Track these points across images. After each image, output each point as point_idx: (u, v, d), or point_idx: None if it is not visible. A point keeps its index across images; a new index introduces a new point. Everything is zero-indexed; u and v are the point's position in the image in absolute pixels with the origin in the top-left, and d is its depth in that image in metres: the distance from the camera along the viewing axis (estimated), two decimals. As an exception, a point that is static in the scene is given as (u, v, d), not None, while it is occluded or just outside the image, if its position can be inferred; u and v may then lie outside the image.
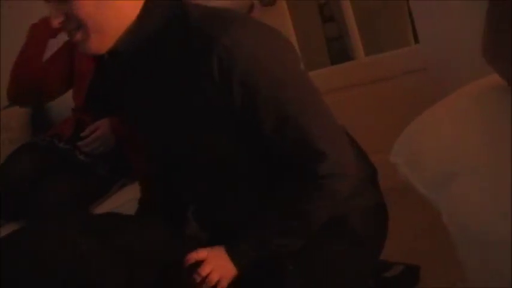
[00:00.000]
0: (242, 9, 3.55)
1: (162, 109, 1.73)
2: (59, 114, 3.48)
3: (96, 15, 1.61)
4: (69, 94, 3.06)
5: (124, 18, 1.65)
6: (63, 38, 2.24)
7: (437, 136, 1.20)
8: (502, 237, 1.03)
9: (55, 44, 2.95)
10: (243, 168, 1.73)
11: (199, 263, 1.70)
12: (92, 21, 1.62)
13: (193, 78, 1.61)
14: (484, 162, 1.09)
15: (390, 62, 3.59)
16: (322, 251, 1.81)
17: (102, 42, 1.66)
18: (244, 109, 1.59)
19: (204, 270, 1.68)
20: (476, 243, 1.10)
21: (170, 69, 1.66)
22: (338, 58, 4.40)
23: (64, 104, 3.17)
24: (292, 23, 3.73)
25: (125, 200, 2.68)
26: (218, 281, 1.69)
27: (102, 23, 1.63)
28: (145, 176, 2.12)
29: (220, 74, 1.56)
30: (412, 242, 2.58)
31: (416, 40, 3.76)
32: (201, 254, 1.70)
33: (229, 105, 1.59)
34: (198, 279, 1.68)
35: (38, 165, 2.73)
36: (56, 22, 1.62)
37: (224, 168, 1.74)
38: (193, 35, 1.61)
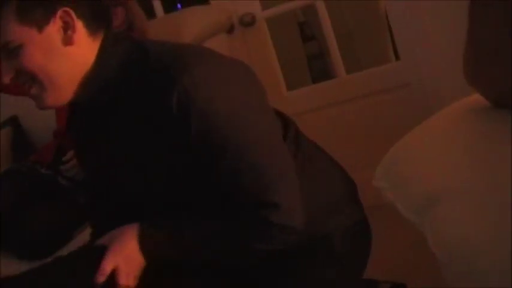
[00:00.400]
0: (222, 29, 3.55)
1: (124, 151, 1.69)
2: (40, 138, 3.46)
3: (47, 66, 1.58)
4: (52, 119, 3.04)
5: (79, 66, 1.62)
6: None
7: (420, 159, 1.19)
8: (487, 261, 1.02)
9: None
10: (198, 207, 1.68)
11: None
12: (44, 74, 1.58)
13: (153, 118, 1.57)
14: (469, 184, 1.08)
15: (371, 79, 3.60)
16: (303, 273, 1.79)
17: (58, 95, 1.62)
18: (200, 149, 1.55)
19: (105, 269, 1.61)
20: (461, 267, 1.09)
21: (131, 111, 1.63)
22: (319, 76, 4.41)
23: (45, 127, 3.15)
24: (272, 42, 3.73)
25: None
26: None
27: (55, 75, 1.59)
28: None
29: (179, 113, 1.52)
30: (399, 259, 2.57)
31: (397, 57, 3.78)
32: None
33: (187, 145, 1.56)
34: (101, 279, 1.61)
35: (19, 193, 2.70)
36: (7, 79, 1.59)
37: (181, 206, 1.69)
38: (153, 75, 1.58)
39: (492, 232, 1.01)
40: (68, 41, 1.58)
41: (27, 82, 1.60)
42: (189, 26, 3.39)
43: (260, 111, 1.64)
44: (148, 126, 1.59)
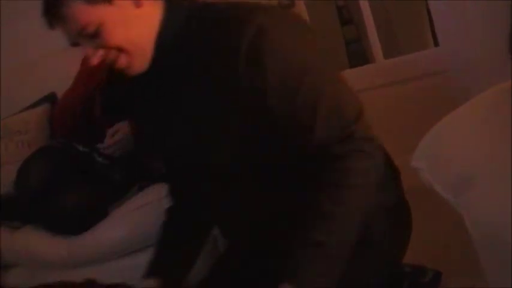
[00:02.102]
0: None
1: (190, 116, 1.68)
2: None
3: (130, 34, 1.61)
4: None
5: (151, 27, 1.64)
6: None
7: (459, 140, 1.19)
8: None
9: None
10: (276, 166, 1.66)
11: None
12: (129, 42, 1.61)
13: (223, 70, 1.56)
14: (506, 166, 1.08)
15: (409, 64, 3.58)
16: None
17: (144, 58, 1.65)
18: (276, 91, 1.54)
19: None
20: (497, 248, 1.08)
21: (198, 70, 1.63)
22: (357, 61, 4.39)
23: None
24: (310, 25, 3.72)
25: (144, 202, 2.67)
26: None
27: (137, 39, 1.62)
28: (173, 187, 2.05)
29: (251, 55, 1.51)
30: (431, 244, 2.56)
31: (436, 43, 3.74)
32: None
33: (257, 90, 1.54)
34: None
35: (55, 169, 2.73)
36: (96, 60, 1.62)
37: (255, 168, 1.67)
38: (219, 26, 1.58)
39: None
40: (137, 3, 1.60)
41: (115, 57, 1.62)
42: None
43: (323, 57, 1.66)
44: (216, 83, 1.59)
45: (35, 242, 2.72)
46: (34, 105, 3.62)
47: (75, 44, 1.63)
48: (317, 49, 1.64)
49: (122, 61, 1.63)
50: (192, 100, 1.66)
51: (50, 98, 3.61)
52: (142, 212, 2.65)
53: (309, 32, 1.66)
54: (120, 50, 1.61)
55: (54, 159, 2.78)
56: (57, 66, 3.63)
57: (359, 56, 4.45)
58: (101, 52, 1.60)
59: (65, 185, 2.68)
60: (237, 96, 1.57)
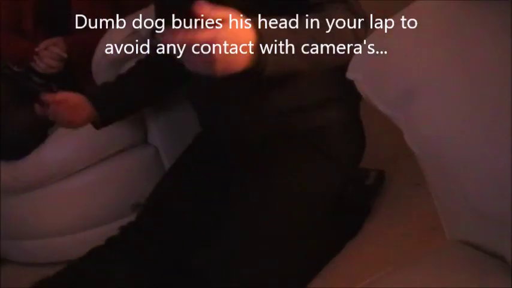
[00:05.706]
0: None
1: None
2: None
3: None
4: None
5: None
6: None
7: (399, 50, 1.13)
8: (462, 157, 1.00)
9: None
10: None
11: None
12: None
13: None
14: (443, 78, 1.05)
15: None
16: (293, 166, 1.80)
17: None
18: None
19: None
20: (435, 162, 1.07)
21: None
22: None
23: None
24: None
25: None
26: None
27: None
28: None
29: None
30: (375, 146, 2.58)
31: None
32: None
33: None
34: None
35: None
36: None
37: None
38: None
39: (463, 125, 1.00)
40: None
41: None
42: None
43: None
44: None
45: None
46: None
47: None
48: None
49: None
50: None
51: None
52: (84, 131, 2.61)
53: None
54: None
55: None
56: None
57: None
58: None
59: (3, 109, 2.62)
60: None
